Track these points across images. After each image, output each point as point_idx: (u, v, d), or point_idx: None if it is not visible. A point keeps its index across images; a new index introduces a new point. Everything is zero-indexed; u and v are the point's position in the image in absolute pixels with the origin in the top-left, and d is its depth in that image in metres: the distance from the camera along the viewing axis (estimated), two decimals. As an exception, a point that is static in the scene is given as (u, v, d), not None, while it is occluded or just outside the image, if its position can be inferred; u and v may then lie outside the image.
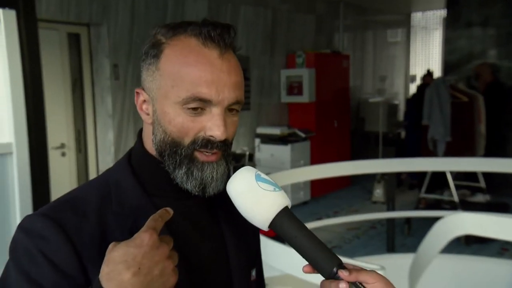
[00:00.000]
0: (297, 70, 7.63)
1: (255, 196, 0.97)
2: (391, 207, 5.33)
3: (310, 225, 4.14)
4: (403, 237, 6.04)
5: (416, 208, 6.29)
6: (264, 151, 7.34)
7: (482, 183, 6.40)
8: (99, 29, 5.52)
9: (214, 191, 1.02)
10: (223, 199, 1.07)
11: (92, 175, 5.79)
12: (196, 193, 1.01)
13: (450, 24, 8.09)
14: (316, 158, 7.28)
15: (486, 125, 6.40)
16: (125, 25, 5.68)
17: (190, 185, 1.00)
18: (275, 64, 7.66)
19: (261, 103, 7.48)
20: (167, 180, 1.03)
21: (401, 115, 10.21)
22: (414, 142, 7.74)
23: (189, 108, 0.97)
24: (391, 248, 5.24)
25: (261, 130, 7.38)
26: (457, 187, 6.06)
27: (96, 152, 5.85)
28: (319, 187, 7.56)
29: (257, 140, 7.30)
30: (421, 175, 6.75)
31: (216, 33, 0.97)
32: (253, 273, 1.16)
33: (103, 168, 5.75)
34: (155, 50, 0.99)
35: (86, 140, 5.78)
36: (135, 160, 1.07)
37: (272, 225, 0.97)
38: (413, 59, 11.34)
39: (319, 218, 6.41)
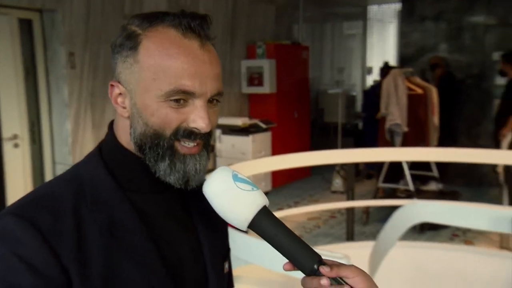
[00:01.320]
0: (257, 61, 7.63)
1: (234, 197, 0.96)
2: (350, 197, 5.41)
3: None
4: (362, 225, 6.16)
5: (374, 197, 6.40)
6: (225, 142, 7.33)
7: (435, 172, 6.57)
8: (53, 16, 5.31)
9: (196, 184, 1.01)
10: (195, 192, 1.06)
11: (48, 166, 5.68)
12: (179, 186, 0.99)
13: (404, 18, 8.25)
14: (277, 149, 7.31)
15: (439, 116, 6.53)
16: (80, 13, 5.49)
17: (173, 178, 0.99)
18: (236, 55, 7.64)
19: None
20: (143, 174, 1.02)
21: (358, 106, 10.32)
22: (372, 133, 7.82)
23: (171, 100, 0.95)
24: (350, 236, 5.33)
25: (222, 121, 7.34)
26: (412, 176, 6.20)
27: (52, 143, 5.70)
28: (280, 178, 7.61)
29: (218, 131, 7.28)
30: (378, 165, 6.83)
31: (196, 23, 0.96)
32: (226, 265, 1.16)
33: (59, 159, 5.64)
34: (132, 42, 0.97)
35: (41, 131, 5.61)
36: (108, 154, 1.04)
37: (251, 225, 0.96)
38: (370, 51, 11.46)
39: (280, 208, 6.44)
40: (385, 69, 7.91)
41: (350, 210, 5.43)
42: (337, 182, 7.59)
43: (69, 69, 5.47)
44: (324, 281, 0.93)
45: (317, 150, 4.32)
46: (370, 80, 10.85)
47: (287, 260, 0.97)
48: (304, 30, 9.06)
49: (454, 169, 7.01)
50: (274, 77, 7.58)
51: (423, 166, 6.54)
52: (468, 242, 5.74)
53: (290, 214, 4.73)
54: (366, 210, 6.30)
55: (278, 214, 4.37)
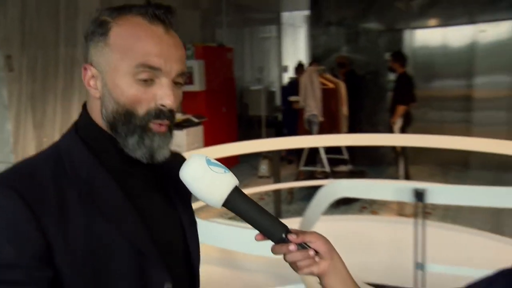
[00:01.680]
0: (187, 62, 7.29)
1: (209, 179, 0.95)
2: (276, 180, 5.47)
3: (202, 202, 4.14)
4: (287, 205, 6.24)
5: (297, 179, 6.50)
6: (161, 136, 7.19)
7: (346, 155, 6.78)
8: (-14, 19, 4.86)
9: (161, 158, 0.99)
10: (165, 172, 1.08)
11: (-12, 167, 5.35)
12: (145, 161, 0.98)
13: (313, 23, 8.41)
14: (208, 141, 7.26)
15: (347, 108, 6.70)
16: (16, 16, 5.05)
17: (139, 153, 0.97)
18: None
19: (157, 90, 7.35)
20: (114, 151, 0.99)
21: (278, 100, 10.43)
22: (290, 123, 7.93)
23: (140, 80, 0.94)
24: (278, 214, 5.36)
25: None
26: (327, 159, 6.36)
27: (-8, 143, 5.31)
28: (211, 166, 7.61)
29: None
30: (298, 151, 6.91)
31: (161, 12, 0.96)
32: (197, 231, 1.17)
33: (1, 158, 5.26)
34: (102, 29, 0.95)
35: (-19, 132, 5.19)
36: (84, 132, 1.00)
37: (225, 203, 0.96)
38: (285, 52, 11.57)
39: None
40: (299, 68, 8.09)
41: (276, 192, 5.49)
42: (263, 168, 7.66)
43: (7, 72, 5.04)
44: (292, 247, 0.95)
45: (244, 141, 4.33)
46: (286, 77, 10.97)
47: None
48: (227, 34, 9.07)
49: (360, 152, 7.19)
50: (203, 76, 7.51)
51: (335, 150, 6.68)
52: (374, 212, 5.97)
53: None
54: (291, 191, 6.40)
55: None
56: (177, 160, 1.11)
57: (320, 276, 1.00)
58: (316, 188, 4.98)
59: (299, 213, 5.50)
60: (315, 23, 8.33)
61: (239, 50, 9.50)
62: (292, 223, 3.38)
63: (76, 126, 1.02)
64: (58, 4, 5.53)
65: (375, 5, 7.89)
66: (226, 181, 0.95)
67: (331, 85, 6.45)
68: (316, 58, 7.99)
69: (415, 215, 3.63)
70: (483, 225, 5.31)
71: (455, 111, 7.86)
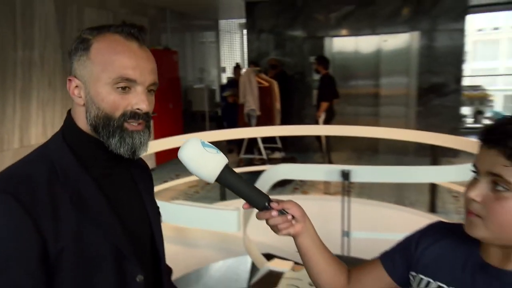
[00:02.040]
0: None
1: (204, 159, 0.96)
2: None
3: (158, 187, 4.12)
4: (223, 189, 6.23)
5: (238, 166, 6.46)
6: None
7: (279, 144, 6.87)
8: None
9: (141, 153, 1.00)
10: (137, 166, 1.10)
11: None
12: (127, 156, 0.98)
13: (249, 30, 8.37)
14: (158, 134, 7.14)
15: (280, 103, 6.78)
16: None
17: (123, 150, 0.97)
18: None
19: (111, 91, 7.12)
20: (99, 152, 0.99)
21: (217, 98, 10.34)
22: (229, 117, 7.89)
23: (118, 88, 0.94)
24: (224, 197, 5.39)
25: None
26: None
27: None
28: (162, 156, 7.48)
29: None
30: (238, 141, 6.91)
31: (135, 30, 0.97)
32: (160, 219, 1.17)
33: None
34: (85, 45, 0.95)
35: None
36: (70, 137, 0.99)
37: (218, 178, 0.97)
38: (222, 55, 11.49)
39: (165, 181, 6.35)
40: (236, 68, 8.12)
41: None
42: (209, 156, 7.61)
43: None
44: (274, 213, 0.99)
45: (188, 133, 4.30)
46: (224, 77, 10.96)
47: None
48: (172, 38, 8.93)
49: (290, 141, 7.29)
50: (152, 76, 7.36)
51: (270, 140, 6.76)
52: (304, 192, 6.03)
53: (174, 184, 4.65)
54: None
55: (163, 185, 4.37)
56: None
57: (295, 236, 1.04)
58: (254, 173, 5.07)
59: (235, 196, 5.59)
60: (251, 30, 8.33)
61: (182, 53, 9.39)
62: (236, 203, 3.39)
63: (62, 133, 1.00)
64: (14, 11, 5.30)
65: (300, 16, 8.00)
66: (218, 160, 0.97)
67: (266, 84, 6.50)
68: (253, 60, 7.97)
69: (342, 191, 3.84)
70: (389, 198, 5.66)
71: (366, 106, 8.04)
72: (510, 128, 0.80)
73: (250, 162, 6.55)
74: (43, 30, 5.48)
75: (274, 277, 3.57)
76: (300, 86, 8.07)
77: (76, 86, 0.97)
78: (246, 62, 9.13)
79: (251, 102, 6.30)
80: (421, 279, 0.99)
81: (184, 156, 0.97)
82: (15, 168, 0.94)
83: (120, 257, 0.97)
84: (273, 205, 1.00)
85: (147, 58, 0.98)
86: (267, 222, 1.02)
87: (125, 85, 0.94)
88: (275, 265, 3.75)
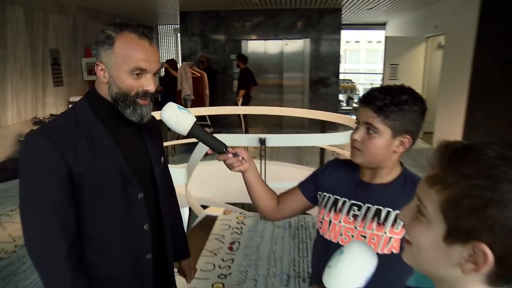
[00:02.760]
0: (93, 59, 6.68)
1: (180, 117, 1.01)
2: (163, 140, 5.26)
3: None
4: (172, 156, 6.09)
5: (177, 139, 6.33)
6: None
7: (208, 122, 6.77)
8: None
9: (146, 120, 1.05)
10: (144, 127, 1.11)
11: None
12: (137, 122, 1.03)
13: (182, 33, 8.09)
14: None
15: (209, 90, 6.70)
16: None
17: (134, 117, 1.02)
18: (78, 55, 6.72)
19: (70, 81, 6.52)
20: (112, 112, 1.03)
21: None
22: (170, 101, 7.61)
23: (134, 74, 0.98)
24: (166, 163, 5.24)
25: (72, 99, 6.49)
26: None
27: None
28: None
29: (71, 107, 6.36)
30: None
31: (147, 31, 1.00)
32: (162, 159, 1.19)
33: None
34: (110, 41, 0.98)
35: None
36: (92, 100, 1.04)
37: (189, 131, 1.01)
38: (161, 53, 10.93)
39: None
40: (172, 63, 7.84)
41: (164, 148, 5.33)
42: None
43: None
44: (230, 155, 1.05)
45: None
46: (162, 70, 10.49)
47: None
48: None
49: (217, 119, 7.22)
50: (105, 69, 6.88)
51: (201, 118, 6.61)
52: None
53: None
54: (174, 147, 6.31)
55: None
56: (153, 120, 1.18)
57: (244, 172, 1.09)
58: (189, 145, 4.95)
59: (180, 162, 5.48)
60: (184, 33, 8.06)
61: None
62: (178, 167, 3.26)
63: (86, 97, 1.06)
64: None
65: (223, 24, 7.88)
66: (190, 118, 1.02)
67: (198, 75, 6.37)
68: (186, 57, 7.83)
69: (260, 155, 3.90)
70: (292, 160, 5.89)
71: (273, 93, 8.15)
72: (376, 94, 0.96)
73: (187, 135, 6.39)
74: (14, 31, 5.24)
75: (210, 220, 3.58)
76: (223, 77, 8.00)
77: (102, 69, 1.01)
78: (180, 58, 8.85)
79: (187, 89, 6.15)
80: (325, 195, 1.11)
81: (166, 116, 1.00)
82: (52, 120, 1.03)
83: (125, 180, 1.03)
84: (229, 150, 1.05)
85: (155, 53, 1.02)
86: (224, 162, 1.07)
87: (139, 72, 0.99)
88: (210, 211, 3.76)
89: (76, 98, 6.51)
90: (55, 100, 6.19)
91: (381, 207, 1.00)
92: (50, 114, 5.92)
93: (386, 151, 0.98)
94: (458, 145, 0.49)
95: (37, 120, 5.58)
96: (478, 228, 0.46)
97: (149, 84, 1.01)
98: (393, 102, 0.94)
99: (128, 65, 0.98)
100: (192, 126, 1.01)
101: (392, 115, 0.95)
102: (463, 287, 0.50)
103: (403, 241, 0.92)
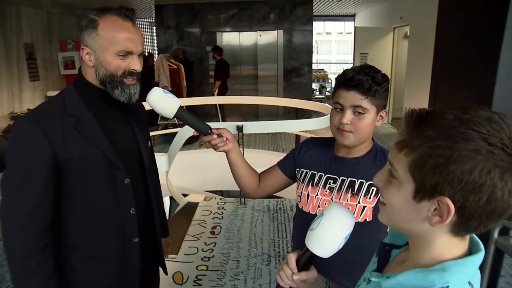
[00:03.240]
0: (69, 53, 6.57)
1: (165, 101, 1.00)
2: None
3: None
4: (154, 144, 6.02)
5: (156, 129, 6.24)
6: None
7: None
8: None
9: (135, 100, 1.04)
10: (131, 110, 1.11)
11: None
12: (126, 102, 1.03)
13: (158, 26, 7.92)
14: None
15: (186, 81, 6.61)
16: None
17: (122, 98, 1.02)
18: (53, 49, 6.45)
19: (47, 75, 6.27)
20: (99, 97, 1.02)
21: None
22: (146, 93, 7.47)
23: (120, 55, 0.98)
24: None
25: (50, 93, 6.27)
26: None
27: None
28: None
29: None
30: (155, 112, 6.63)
31: (129, 13, 1.00)
32: (149, 143, 1.19)
33: None
34: (93, 24, 0.97)
35: None
36: (79, 86, 1.03)
37: (175, 114, 1.02)
38: None
39: None
40: (148, 55, 7.69)
41: None
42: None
43: None
44: (214, 136, 1.06)
45: None
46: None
47: None
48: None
49: (194, 110, 7.14)
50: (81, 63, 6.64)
51: None
52: (207, 147, 6.04)
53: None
54: (153, 137, 6.21)
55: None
56: (139, 104, 1.18)
57: (227, 151, 1.11)
58: (168, 135, 4.90)
59: (160, 151, 5.42)
60: (159, 26, 7.86)
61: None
62: (159, 155, 3.24)
63: (74, 83, 1.05)
64: None
65: (197, 16, 7.74)
66: (175, 102, 1.02)
67: (175, 67, 6.29)
68: (163, 50, 7.67)
69: (237, 142, 3.89)
70: (269, 147, 5.95)
71: (249, 84, 8.11)
72: (361, 77, 0.97)
73: (166, 127, 6.38)
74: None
75: (191, 207, 3.59)
76: (199, 69, 7.90)
77: (87, 53, 1.00)
78: (156, 52, 8.65)
79: (164, 80, 6.06)
80: (303, 171, 1.15)
81: (152, 99, 0.99)
82: (41, 104, 1.02)
83: (111, 166, 1.02)
84: (214, 131, 1.07)
85: (138, 33, 1.01)
86: (209, 143, 1.08)
87: (125, 53, 0.99)
88: (192, 198, 3.76)
89: (53, 93, 6.31)
90: (32, 95, 5.97)
91: (355, 179, 1.05)
92: (28, 109, 5.71)
93: (372, 127, 1.03)
94: (422, 112, 0.53)
95: (14, 115, 5.38)
96: (441, 183, 0.50)
97: (135, 63, 1.00)
98: (374, 81, 0.98)
99: (115, 48, 0.97)
100: (178, 109, 1.01)
101: (376, 94, 0.99)
102: (432, 239, 0.55)
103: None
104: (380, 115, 1.04)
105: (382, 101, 1.02)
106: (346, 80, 0.99)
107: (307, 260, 0.72)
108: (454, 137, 0.49)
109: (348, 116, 1.01)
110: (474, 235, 0.57)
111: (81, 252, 1.03)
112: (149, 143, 1.19)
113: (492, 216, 0.50)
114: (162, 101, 1.00)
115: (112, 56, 0.98)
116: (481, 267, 0.56)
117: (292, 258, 0.74)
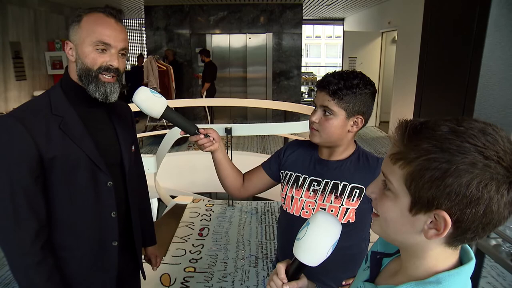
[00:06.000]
0: (57, 52, 6.49)
1: (152, 101, 0.98)
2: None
3: None
4: (141, 148, 6.04)
5: (144, 131, 6.25)
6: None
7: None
8: None
9: (112, 100, 1.01)
10: (114, 109, 1.09)
11: None
12: (101, 100, 1.00)
13: (147, 27, 7.86)
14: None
15: (174, 83, 6.58)
16: None
17: (97, 95, 0.99)
18: (41, 48, 6.36)
19: (34, 75, 6.18)
20: (83, 96, 1.00)
21: (124, 80, 9.61)
22: None
23: (97, 49, 0.96)
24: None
25: (36, 93, 6.17)
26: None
27: None
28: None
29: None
30: (143, 113, 6.59)
31: (114, 11, 0.99)
32: (133, 147, 1.16)
33: None
34: (78, 18, 0.97)
35: None
36: (64, 84, 1.01)
37: (163, 115, 1.00)
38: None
39: None
40: (140, 57, 7.64)
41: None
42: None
43: None
44: (201, 136, 1.06)
45: None
46: (128, 64, 10.18)
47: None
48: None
49: (183, 112, 7.10)
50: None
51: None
52: (196, 148, 5.91)
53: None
54: (141, 139, 6.18)
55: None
56: (124, 106, 1.18)
57: (213, 151, 1.11)
58: (157, 136, 4.87)
59: (149, 152, 5.38)
60: (149, 27, 7.81)
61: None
62: (147, 157, 3.23)
63: (60, 81, 1.04)
64: None
65: (187, 18, 7.72)
66: (162, 101, 1.00)
67: (164, 68, 6.26)
68: (152, 51, 7.64)
69: (226, 144, 3.89)
70: (257, 149, 5.94)
71: (238, 86, 8.11)
72: (330, 79, 1.01)
73: (154, 128, 6.35)
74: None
75: (179, 208, 3.57)
76: (188, 70, 7.87)
77: (70, 48, 0.99)
78: (145, 53, 8.58)
79: (153, 82, 6.03)
80: (287, 173, 1.15)
81: (138, 99, 0.97)
82: (26, 102, 1.00)
83: (94, 168, 1.01)
84: (201, 131, 1.07)
85: (120, 30, 0.99)
86: (196, 143, 1.08)
87: (103, 47, 0.97)
88: (180, 200, 3.74)
89: (40, 92, 6.12)
90: (18, 94, 5.86)
91: (338, 182, 1.06)
92: (13, 109, 5.61)
93: (342, 130, 1.04)
94: (416, 123, 0.52)
95: (-2, 115, 5.29)
96: (438, 197, 0.49)
97: (113, 59, 0.97)
98: (345, 86, 0.99)
99: (91, 38, 0.96)
100: (165, 108, 1.00)
101: (345, 98, 1.00)
102: (426, 250, 0.55)
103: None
104: (354, 121, 1.03)
105: (356, 107, 1.01)
106: (320, 81, 1.04)
107: (296, 269, 0.71)
108: (450, 150, 0.48)
109: (317, 115, 1.04)
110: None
111: (59, 252, 1.01)
112: (133, 147, 1.16)
113: (488, 228, 0.50)
114: (149, 101, 0.98)
115: (89, 48, 0.96)
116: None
117: (281, 268, 0.72)
